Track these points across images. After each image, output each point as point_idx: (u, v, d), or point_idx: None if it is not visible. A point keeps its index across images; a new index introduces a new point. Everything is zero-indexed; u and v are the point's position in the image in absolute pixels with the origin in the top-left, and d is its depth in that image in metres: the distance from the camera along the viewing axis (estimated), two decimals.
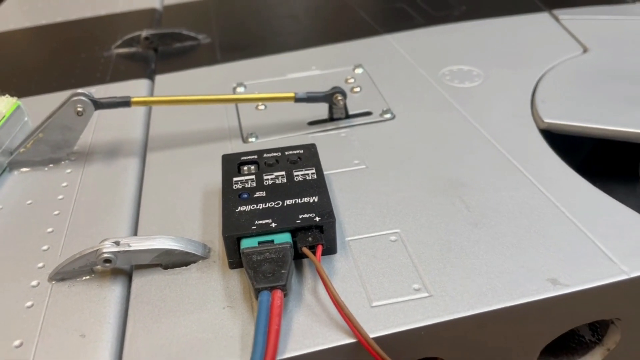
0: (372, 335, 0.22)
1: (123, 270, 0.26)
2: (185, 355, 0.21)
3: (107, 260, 0.24)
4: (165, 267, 0.26)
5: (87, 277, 0.25)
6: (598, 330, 0.28)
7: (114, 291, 0.25)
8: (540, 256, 0.25)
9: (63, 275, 0.25)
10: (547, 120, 0.33)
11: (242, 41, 0.48)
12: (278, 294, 0.22)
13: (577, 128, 0.33)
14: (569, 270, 0.24)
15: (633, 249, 0.24)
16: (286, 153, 0.29)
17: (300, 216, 0.25)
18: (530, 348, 0.25)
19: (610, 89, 0.36)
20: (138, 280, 0.25)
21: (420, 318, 0.22)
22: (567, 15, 0.47)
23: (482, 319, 0.23)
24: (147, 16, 0.55)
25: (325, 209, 0.25)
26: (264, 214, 0.25)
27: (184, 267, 0.25)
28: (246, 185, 0.27)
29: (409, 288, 0.24)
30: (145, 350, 0.22)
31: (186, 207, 0.29)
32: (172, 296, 0.24)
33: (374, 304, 0.23)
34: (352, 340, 0.22)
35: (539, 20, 0.47)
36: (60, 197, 0.31)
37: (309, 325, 0.22)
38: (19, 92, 0.37)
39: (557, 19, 0.47)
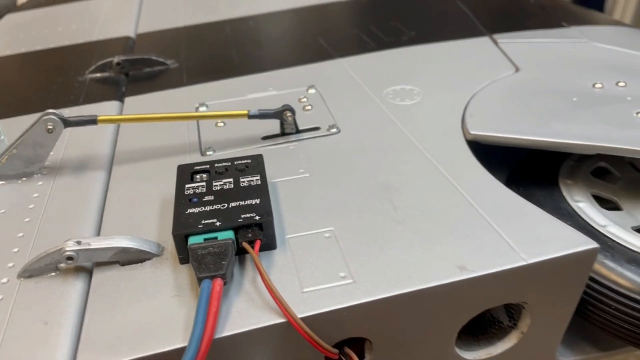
0: (300, 316, 0.25)
1: (85, 267, 0.29)
2: (135, 337, 0.24)
3: (69, 258, 0.27)
4: (123, 264, 0.29)
5: (53, 274, 0.28)
6: (514, 315, 0.31)
7: (75, 285, 0.28)
8: (452, 247, 0.28)
9: (30, 272, 0.28)
10: (472, 132, 0.37)
11: (207, 65, 0.52)
12: (218, 281, 0.25)
13: (499, 138, 0.37)
14: (476, 259, 0.27)
15: (533, 240, 0.28)
16: (235, 163, 0.32)
17: (242, 216, 0.28)
18: (447, 328, 0.28)
19: (533, 104, 0.40)
20: (98, 276, 0.28)
21: (343, 300, 0.25)
22: (505, 39, 0.52)
23: (397, 301, 0.26)
24: (121, 43, 0.59)
25: (265, 209, 0.28)
26: (211, 214, 0.28)
27: (139, 264, 0.28)
28: (197, 191, 0.30)
29: (336, 276, 0.27)
30: (100, 334, 0.25)
31: (145, 212, 0.32)
32: (127, 289, 0.27)
33: (305, 290, 0.26)
34: (282, 320, 0.25)
35: (479, 44, 0.51)
36: (31, 206, 0.34)
37: (246, 309, 0.25)
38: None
39: (495, 43, 0.51)
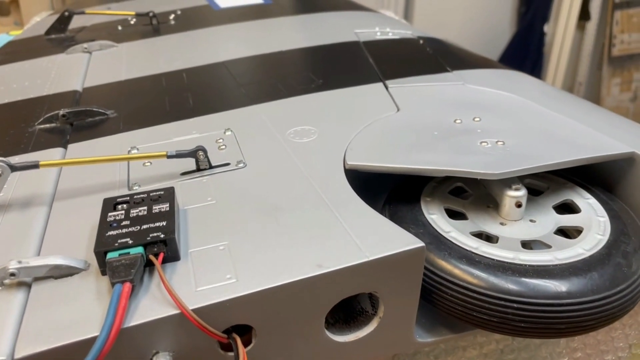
0: (192, 307, 0.33)
1: (26, 282, 0.36)
2: (62, 330, 0.32)
3: (12, 274, 0.35)
4: (56, 278, 0.36)
5: (0, 287, 0.35)
6: (375, 305, 0.40)
7: (17, 296, 0.35)
8: (316, 250, 0.36)
9: None
10: (350, 162, 0.46)
11: (142, 114, 0.60)
12: (127, 285, 0.33)
13: (371, 167, 0.46)
14: (332, 257, 0.36)
15: (377, 242, 0.37)
16: (151, 194, 0.40)
17: (151, 235, 0.36)
18: (314, 314, 0.36)
19: (402, 138, 0.49)
20: (35, 287, 0.35)
21: (226, 294, 0.33)
22: (394, 84, 0.62)
23: (269, 293, 0.34)
24: (68, 97, 0.67)
25: (169, 229, 0.36)
26: (126, 235, 0.36)
27: (70, 277, 0.36)
28: (117, 218, 0.38)
29: (224, 277, 0.35)
30: (35, 329, 0.32)
31: (77, 237, 0.40)
32: (58, 295, 0.34)
33: (198, 289, 0.34)
34: (177, 311, 0.32)
35: (373, 89, 0.61)
36: None
37: (150, 305, 0.33)
38: None
39: (387, 87, 0.61)
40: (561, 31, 2.65)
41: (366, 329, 0.39)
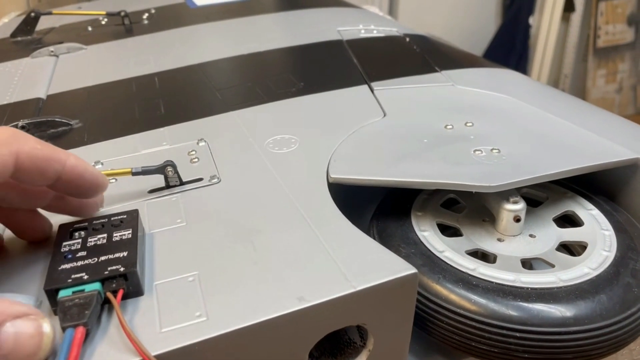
0: (155, 353, 0.29)
1: None
2: None
3: None
4: None
5: None
6: (364, 336, 0.36)
7: None
8: (296, 280, 0.32)
9: None
10: (333, 175, 0.42)
11: (109, 124, 0.55)
12: (80, 329, 0.29)
13: (356, 180, 0.42)
14: (315, 290, 0.32)
15: (363, 269, 0.33)
16: (112, 219, 0.36)
17: (109, 268, 0.32)
18: (296, 351, 0.32)
19: (390, 147, 0.46)
20: None
21: (194, 336, 0.29)
22: (380, 87, 0.58)
23: (243, 332, 0.30)
24: (31, 105, 0.62)
25: (130, 261, 0.32)
26: (81, 269, 0.32)
27: None
28: (72, 248, 0.34)
29: (192, 315, 0.31)
30: None
31: (30, 271, 0.35)
32: None
33: (163, 330, 0.30)
34: (138, 358, 0.28)
35: (358, 92, 0.57)
36: None
37: (107, 351, 0.29)
38: None
39: (372, 90, 0.58)
40: (546, 23, 2.64)
41: None
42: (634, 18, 2.65)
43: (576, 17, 2.60)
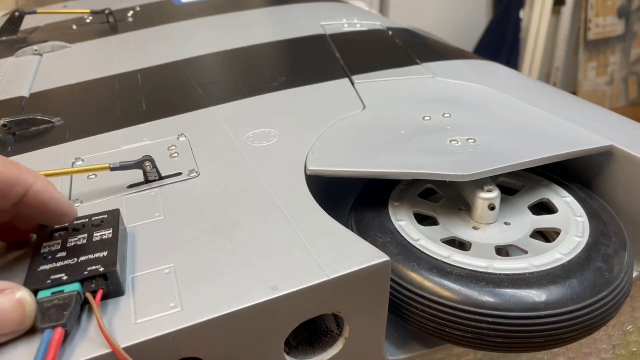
0: (130, 343, 0.29)
1: None
2: None
3: None
4: None
5: None
6: (340, 324, 0.36)
7: None
8: (270, 269, 0.33)
9: None
10: (311, 167, 0.42)
11: (90, 121, 0.56)
12: (58, 330, 0.29)
13: (333, 172, 0.42)
14: (288, 279, 0.32)
15: (336, 258, 0.33)
16: (93, 219, 0.36)
17: (88, 268, 0.32)
18: (272, 340, 0.33)
19: (367, 139, 0.46)
20: None
21: (168, 327, 0.30)
22: (360, 80, 0.58)
23: (217, 322, 0.30)
24: (13, 104, 0.62)
25: (110, 261, 0.32)
26: (60, 270, 0.32)
27: None
28: (52, 249, 0.34)
29: (167, 306, 0.31)
30: None
31: (11, 272, 0.35)
32: None
33: (138, 321, 0.30)
34: (108, 350, 0.29)
35: (339, 85, 0.58)
36: None
37: (87, 348, 0.29)
38: None
39: (352, 83, 0.58)
40: (537, 16, 2.64)
41: (331, 351, 0.36)
42: (624, 10, 2.66)
43: (566, 10, 2.60)
